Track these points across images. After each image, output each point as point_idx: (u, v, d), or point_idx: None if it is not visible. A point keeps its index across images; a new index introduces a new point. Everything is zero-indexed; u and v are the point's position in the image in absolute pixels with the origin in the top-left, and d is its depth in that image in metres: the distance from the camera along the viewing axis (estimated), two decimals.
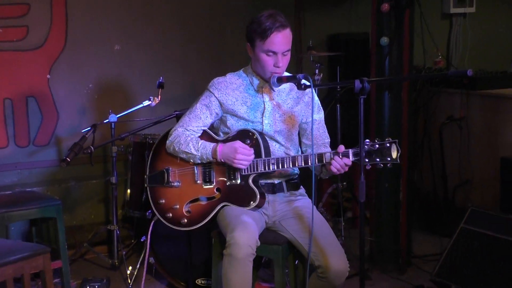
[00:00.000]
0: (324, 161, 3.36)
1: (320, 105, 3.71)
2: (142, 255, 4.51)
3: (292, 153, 3.64)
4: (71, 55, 5.23)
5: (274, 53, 3.45)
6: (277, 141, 3.62)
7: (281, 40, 3.44)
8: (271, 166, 3.46)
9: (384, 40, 4.53)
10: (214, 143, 3.55)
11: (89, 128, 4.56)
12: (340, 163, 3.32)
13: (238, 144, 3.46)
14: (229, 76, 3.67)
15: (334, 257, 3.33)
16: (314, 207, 3.44)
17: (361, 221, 3.27)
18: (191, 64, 5.66)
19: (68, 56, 5.23)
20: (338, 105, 5.01)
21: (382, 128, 4.69)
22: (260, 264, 4.09)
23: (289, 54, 3.51)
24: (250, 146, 3.50)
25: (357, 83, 3.15)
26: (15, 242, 3.96)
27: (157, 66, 5.46)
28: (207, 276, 4.27)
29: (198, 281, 4.32)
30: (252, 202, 3.50)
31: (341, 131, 5.02)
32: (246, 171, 3.50)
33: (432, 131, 5.80)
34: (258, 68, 3.55)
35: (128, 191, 4.95)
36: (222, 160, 3.51)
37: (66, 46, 5.22)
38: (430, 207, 5.75)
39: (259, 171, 3.48)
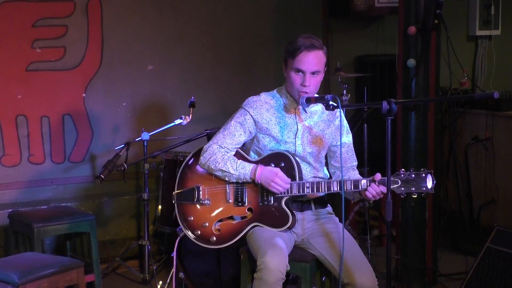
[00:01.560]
0: (360, 188, 3.35)
1: (349, 128, 3.70)
2: (172, 270, 4.50)
3: (320, 174, 3.63)
4: (106, 75, 5.29)
5: (302, 72, 3.45)
6: (307, 162, 3.60)
7: (310, 60, 3.43)
8: (305, 190, 3.44)
9: (411, 62, 4.51)
10: (254, 164, 3.52)
11: (122, 145, 4.59)
12: (376, 190, 3.32)
13: (278, 169, 3.46)
14: (263, 96, 3.65)
15: (363, 275, 3.32)
16: (343, 226, 3.42)
17: (388, 240, 3.25)
18: (222, 85, 5.68)
19: (103, 76, 5.28)
20: (365, 125, 5.00)
21: (408, 148, 4.65)
22: (288, 280, 4.06)
23: (319, 76, 3.49)
24: (285, 169, 3.48)
25: (385, 105, 3.14)
26: (50, 257, 3.99)
27: (188, 86, 5.49)
28: None
29: None
30: (285, 224, 3.48)
31: (368, 150, 5.00)
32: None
33: (458, 151, 5.76)
34: (289, 87, 3.55)
35: (160, 207, 4.97)
36: (259, 182, 3.48)
37: (102, 66, 5.27)
38: (456, 225, 5.71)
39: (293, 193, 3.46)
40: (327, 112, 3.58)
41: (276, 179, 3.42)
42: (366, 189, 3.34)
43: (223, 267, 4.23)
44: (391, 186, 3.26)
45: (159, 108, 5.47)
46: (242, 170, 3.51)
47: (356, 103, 5.78)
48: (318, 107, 3.62)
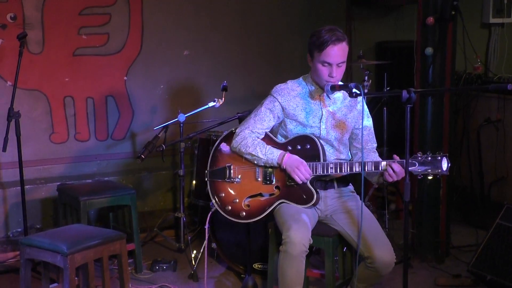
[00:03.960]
0: (380, 169, 3.32)
1: (369, 113, 3.67)
2: (205, 240, 4.52)
3: (343, 156, 3.62)
4: (146, 59, 5.28)
5: (329, 64, 3.42)
6: (331, 145, 3.60)
7: (336, 53, 3.40)
8: (329, 170, 3.43)
9: (429, 50, 4.44)
10: (281, 151, 3.52)
11: (161, 126, 4.59)
12: (396, 170, 3.27)
13: (303, 161, 3.45)
14: (290, 83, 3.64)
15: (382, 249, 3.32)
16: (363, 203, 3.41)
17: (406, 218, 3.23)
18: (251, 69, 5.64)
19: (143, 60, 5.28)
20: (384, 108, 4.94)
21: (425, 130, 4.61)
22: (312, 252, 4.07)
23: (344, 66, 3.48)
24: (310, 151, 3.48)
25: (404, 94, 3.09)
26: (96, 229, 4.02)
27: (221, 70, 5.48)
28: (263, 261, 4.26)
29: (255, 265, 4.33)
30: (310, 202, 3.48)
31: (387, 130, 4.95)
32: None
33: (471, 131, 5.69)
34: (315, 77, 3.53)
35: (194, 182, 4.97)
36: (284, 167, 3.48)
37: (142, 51, 5.27)
38: (468, 201, 5.66)
39: (318, 173, 3.46)
40: (349, 98, 3.55)
41: (301, 167, 3.43)
42: (385, 170, 3.30)
43: (252, 237, 4.24)
44: (410, 168, 3.24)
45: (194, 90, 5.47)
46: (271, 155, 3.52)
47: (376, 90, 5.71)
48: (340, 94, 3.59)
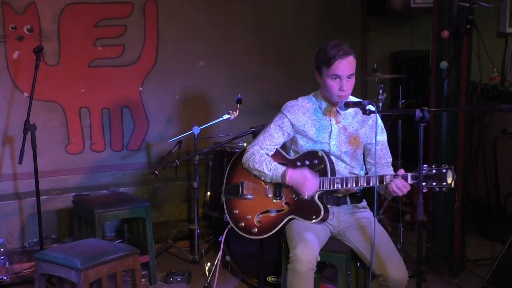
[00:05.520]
0: (385, 183, 3.31)
1: (384, 128, 3.65)
2: (219, 253, 4.52)
3: (357, 171, 3.60)
4: (161, 70, 5.31)
5: (339, 77, 3.41)
6: (343, 161, 3.58)
7: (344, 66, 3.40)
8: (335, 185, 3.42)
9: (444, 64, 4.41)
10: (284, 167, 3.53)
11: (175, 139, 4.60)
12: (398, 185, 3.27)
13: (307, 171, 3.44)
14: (301, 100, 3.65)
15: (394, 267, 3.30)
16: (376, 220, 3.40)
17: (419, 236, 3.21)
18: (266, 80, 5.65)
19: (158, 71, 5.30)
20: (399, 121, 4.91)
21: (439, 144, 4.57)
22: (325, 265, 4.06)
23: (353, 79, 3.47)
24: (318, 166, 3.47)
25: (418, 113, 3.08)
26: (110, 244, 4.02)
27: (236, 82, 5.49)
28: (277, 274, 4.26)
29: (269, 278, 4.32)
30: (316, 217, 3.48)
31: (402, 143, 4.92)
32: None
33: (487, 143, 5.65)
34: (326, 93, 3.52)
35: (208, 193, 4.97)
36: (290, 184, 3.49)
37: (157, 62, 5.30)
38: (483, 212, 5.62)
39: (324, 188, 3.45)
40: (360, 112, 3.54)
41: (307, 183, 3.42)
42: (389, 183, 3.29)
43: (266, 250, 4.24)
44: (412, 181, 3.23)
45: (209, 101, 5.48)
46: (275, 171, 3.53)
47: (392, 102, 5.68)
48: (352, 109, 3.56)
